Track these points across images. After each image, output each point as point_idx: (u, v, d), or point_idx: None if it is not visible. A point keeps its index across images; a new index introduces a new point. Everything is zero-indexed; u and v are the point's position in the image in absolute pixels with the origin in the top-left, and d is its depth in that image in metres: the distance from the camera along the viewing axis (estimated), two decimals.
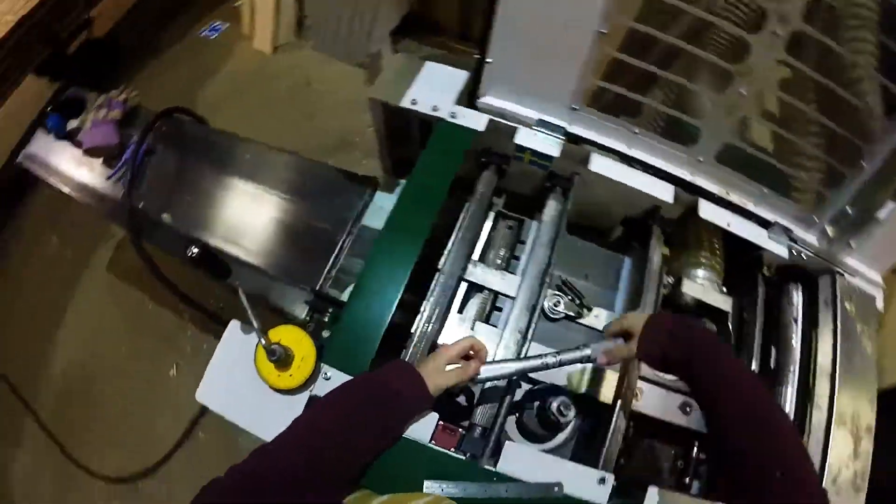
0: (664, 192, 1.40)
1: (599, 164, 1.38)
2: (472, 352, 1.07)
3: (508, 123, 1.41)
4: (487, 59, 1.37)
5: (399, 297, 1.15)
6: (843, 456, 1.24)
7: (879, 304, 1.58)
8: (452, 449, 1.06)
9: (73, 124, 1.98)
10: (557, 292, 1.44)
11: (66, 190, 1.91)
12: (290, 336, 1.09)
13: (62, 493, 2.34)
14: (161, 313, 2.62)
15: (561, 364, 1.08)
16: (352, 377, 1.06)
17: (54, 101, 2.07)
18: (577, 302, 1.44)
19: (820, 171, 1.43)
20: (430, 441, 1.02)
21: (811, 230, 1.51)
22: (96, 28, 3.18)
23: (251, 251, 1.54)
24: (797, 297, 1.58)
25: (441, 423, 1.06)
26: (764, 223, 1.49)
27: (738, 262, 1.58)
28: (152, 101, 1.98)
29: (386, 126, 1.50)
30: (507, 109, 1.42)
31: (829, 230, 1.47)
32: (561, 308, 1.42)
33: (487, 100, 1.43)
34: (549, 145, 1.38)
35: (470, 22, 2.79)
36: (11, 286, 2.83)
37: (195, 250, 0.97)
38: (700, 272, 1.52)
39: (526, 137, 1.38)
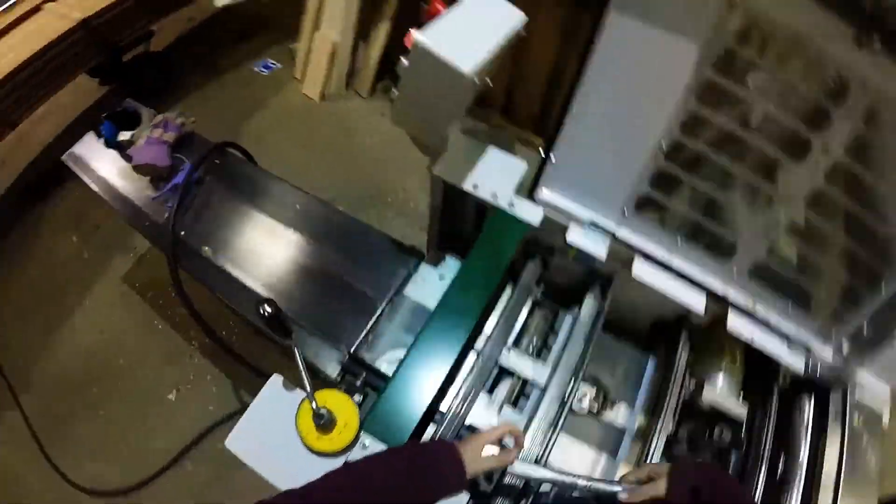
0: (697, 302, 1.46)
1: (641, 270, 1.45)
2: (508, 438, 1.09)
3: (560, 221, 1.47)
4: (552, 157, 1.45)
5: (445, 376, 1.18)
6: None
7: (886, 419, 1.63)
8: None
9: (124, 135, 2.01)
10: (585, 387, 1.48)
11: (105, 197, 1.95)
12: (335, 400, 1.12)
13: (38, 492, 2.28)
14: (169, 334, 2.62)
15: (590, 490, 1.11)
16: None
17: (110, 109, 2.11)
18: (602, 398, 1.48)
19: (841, 289, 1.48)
20: None
21: (827, 344, 1.57)
22: (155, 42, 3.31)
23: (290, 301, 1.58)
24: (808, 408, 1.62)
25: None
26: (784, 336, 1.54)
27: (756, 370, 1.63)
28: (198, 125, 2.05)
29: (444, 202, 1.57)
30: (562, 206, 1.49)
31: (845, 346, 1.51)
32: (585, 404, 1.46)
33: (545, 195, 1.50)
34: (598, 246, 1.45)
35: (544, 118, 2.94)
36: (22, 276, 2.83)
37: (269, 309, 1.00)
38: (720, 378, 1.56)
39: (577, 236, 1.45)
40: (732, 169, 1.35)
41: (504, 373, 1.46)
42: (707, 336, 1.61)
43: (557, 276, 1.61)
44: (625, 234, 1.49)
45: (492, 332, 1.38)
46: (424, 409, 1.15)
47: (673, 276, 1.49)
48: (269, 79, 3.44)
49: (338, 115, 3.32)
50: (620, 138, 1.38)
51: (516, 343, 1.51)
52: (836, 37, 1.10)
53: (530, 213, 1.46)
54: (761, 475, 1.45)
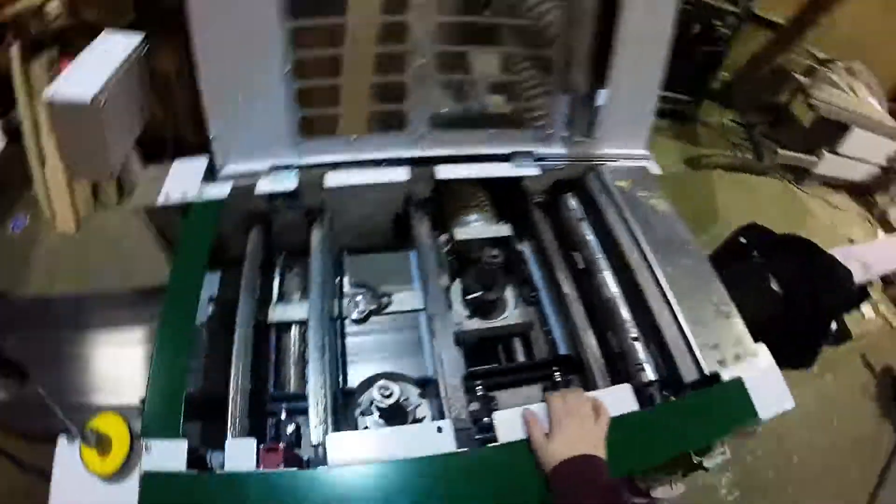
0: (400, 175, 1.65)
1: (334, 179, 1.61)
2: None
3: (249, 182, 1.60)
4: (211, 136, 1.57)
5: (186, 360, 1.26)
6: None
7: (655, 168, 1.89)
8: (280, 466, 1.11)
9: None
10: (356, 292, 1.63)
11: None
12: (105, 421, 1.16)
13: None
14: None
15: None
16: (179, 441, 1.13)
17: None
18: (374, 294, 1.62)
19: (532, 92, 1.71)
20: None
21: (553, 144, 1.81)
22: None
23: None
24: (573, 202, 1.88)
25: (261, 445, 1.12)
26: (505, 158, 1.77)
27: (509, 203, 1.85)
28: None
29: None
30: (245, 170, 1.61)
31: (567, 134, 1.76)
32: (362, 306, 1.60)
33: (227, 170, 1.61)
34: (287, 182, 1.59)
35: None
36: None
37: None
38: (472, 218, 1.76)
39: (263, 184, 1.58)
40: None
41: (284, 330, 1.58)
42: (444, 200, 1.81)
43: (294, 237, 1.73)
44: (309, 160, 1.64)
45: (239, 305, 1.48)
46: (183, 393, 1.21)
47: (368, 169, 1.66)
48: (25, 235, 3.32)
49: (98, 235, 3.29)
50: (251, 86, 1.52)
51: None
52: None
53: (217, 192, 1.56)
54: (563, 274, 1.67)
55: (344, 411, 1.42)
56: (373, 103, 1.64)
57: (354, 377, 1.52)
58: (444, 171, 1.68)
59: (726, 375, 1.29)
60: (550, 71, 1.66)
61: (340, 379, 1.49)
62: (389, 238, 1.84)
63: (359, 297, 1.61)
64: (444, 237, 1.70)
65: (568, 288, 1.66)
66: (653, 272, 1.51)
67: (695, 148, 4.68)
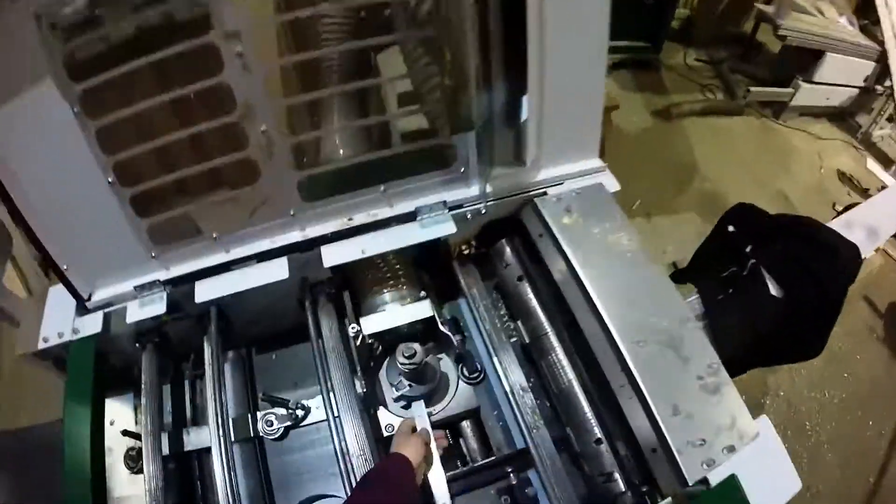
0: (278, 271, 1.36)
1: (205, 292, 1.36)
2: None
3: (118, 309, 1.40)
4: (62, 267, 1.37)
5: None
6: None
7: (612, 184, 1.46)
8: None
9: None
10: (266, 411, 1.44)
11: None
12: None
13: None
14: None
15: None
16: None
17: None
18: (288, 408, 1.43)
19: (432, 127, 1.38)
20: None
21: (470, 182, 1.41)
22: None
23: None
24: (509, 253, 1.50)
25: None
26: (410, 216, 1.41)
27: (433, 266, 1.51)
28: None
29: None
30: (113, 294, 1.41)
31: (485, 165, 1.37)
32: (276, 423, 1.42)
33: (95, 299, 1.42)
34: (153, 306, 1.37)
35: None
36: None
37: None
38: (386, 297, 1.47)
39: (133, 313, 1.38)
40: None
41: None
42: (352, 276, 1.50)
43: (192, 341, 1.51)
44: (174, 271, 1.40)
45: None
46: None
47: (243, 268, 1.39)
48: None
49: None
50: (79, 206, 1.29)
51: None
52: None
53: (90, 326, 1.39)
54: (507, 356, 1.41)
55: None
56: (222, 191, 1.31)
57: None
58: (332, 255, 1.36)
59: (717, 477, 1.06)
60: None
61: None
62: (302, 319, 1.58)
63: (271, 416, 1.42)
64: (353, 328, 1.41)
65: (514, 376, 1.36)
66: (616, 348, 1.19)
67: (662, 97, 4.23)
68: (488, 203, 1.40)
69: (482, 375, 1.49)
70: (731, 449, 1.07)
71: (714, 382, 1.14)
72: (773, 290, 1.54)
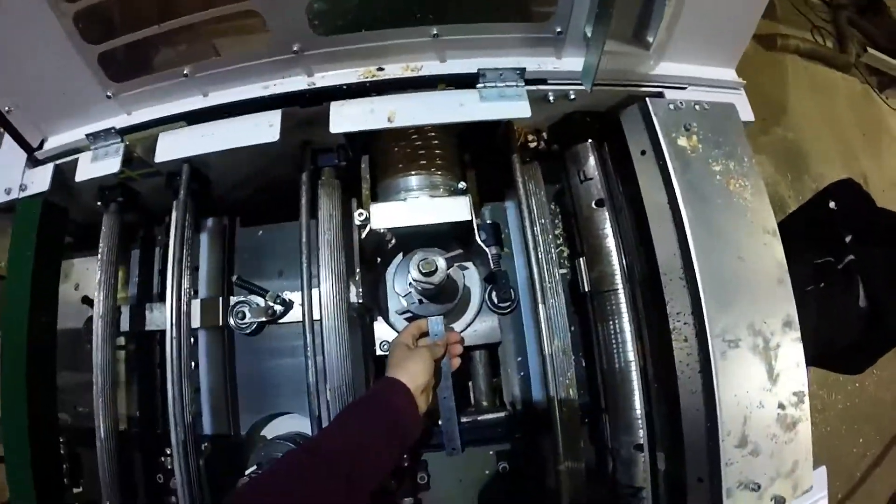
0: (266, 130, 1.03)
1: (169, 149, 1.06)
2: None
3: (70, 160, 1.13)
4: (4, 108, 1.09)
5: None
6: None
7: (746, 111, 1.08)
8: None
9: None
10: (239, 301, 1.19)
11: None
12: None
13: None
14: None
15: None
16: None
17: None
18: (265, 299, 1.16)
19: None
20: None
21: (565, 51, 1.05)
22: None
23: None
24: (593, 162, 1.13)
25: None
26: (467, 81, 1.05)
27: (482, 149, 1.20)
28: None
29: None
30: (65, 144, 1.14)
31: (593, 34, 0.97)
32: (248, 316, 1.17)
33: (47, 148, 1.15)
34: (107, 162, 1.09)
35: None
36: None
37: None
38: (412, 182, 1.14)
39: (84, 169, 1.10)
40: None
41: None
42: (373, 146, 1.18)
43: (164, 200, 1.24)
44: (136, 118, 1.10)
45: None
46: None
47: (220, 121, 1.07)
48: None
49: None
50: (31, 45, 1.00)
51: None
52: None
53: (39, 182, 1.14)
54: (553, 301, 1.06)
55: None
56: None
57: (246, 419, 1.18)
58: (344, 118, 1.01)
59: None
60: None
61: (230, 422, 1.16)
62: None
63: (244, 307, 1.17)
64: (359, 214, 1.10)
65: (557, 326, 1.04)
66: (703, 339, 0.92)
67: (770, 23, 3.61)
68: (581, 87, 1.01)
69: (514, 307, 1.18)
70: (780, 501, 0.90)
71: (794, 417, 0.92)
72: (861, 300, 1.33)
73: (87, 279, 1.31)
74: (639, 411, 1.04)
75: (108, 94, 1.06)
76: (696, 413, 0.93)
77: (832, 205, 1.49)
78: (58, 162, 1.14)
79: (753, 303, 0.94)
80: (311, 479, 0.74)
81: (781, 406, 0.91)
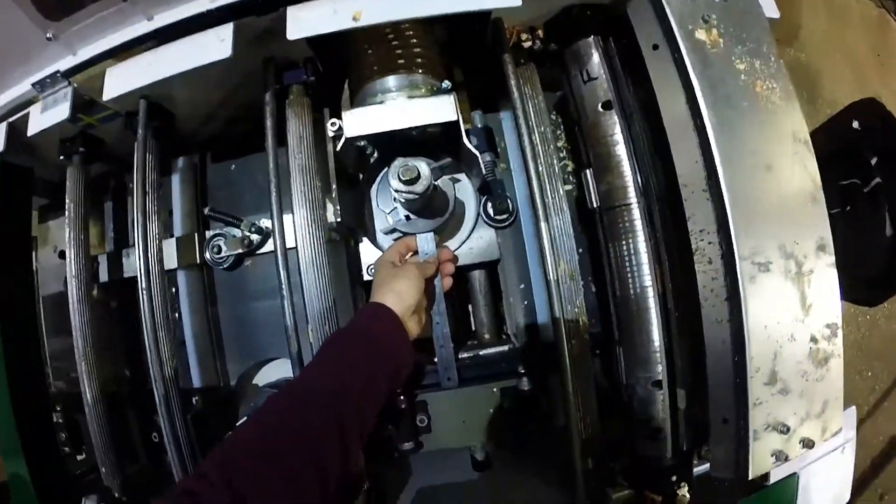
0: (218, 46, 0.95)
1: (117, 83, 0.99)
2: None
3: (22, 115, 1.07)
4: None
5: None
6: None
7: (771, 7, 0.97)
8: None
9: None
10: (217, 231, 1.13)
11: None
12: None
13: None
14: None
15: None
16: None
17: None
18: (240, 229, 1.09)
19: None
20: None
21: None
22: None
23: None
24: (596, 60, 1.01)
25: None
26: None
27: (470, 55, 1.09)
28: None
29: None
30: (12, 100, 1.09)
31: None
32: (224, 249, 1.11)
33: None
34: (56, 110, 1.02)
35: None
36: None
37: None
38: (390, 83, 1.02)
39: (35, 121, 1.04)
40: None
41: None
42: (347, 47, 1.07)
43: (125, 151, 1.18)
44: (81, 55, 1.03)
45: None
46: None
47: (170, 43, 1.00)
48: None
49: None
50: None
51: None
52: None
53: None
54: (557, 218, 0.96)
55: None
56: None
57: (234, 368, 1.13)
58: (303, 21, 0.92)
59: (779, 473, 0.89)
60: None
61: (218, 373, 1.10)
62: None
63: (219, 240, 1.11)
64: (332, 125, 1.00)
65: (563, 248, 0.94)
66: (731, 261, 0.82)
67: None
68: None
69: (513, 219, 1.08)
70: (809, 444, 0.83)
71: (826, 351, 0.83)
72: (888, 227, 1.20)
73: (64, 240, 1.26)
74: (657, 344, 0.93)
75: (48, 35, 1.00)
76: (722, 346, 0.83)
77: (855, 124, 1.37)
78: (10, 120, 1.08)
79: (785, 221, 0.83)
80: (297, 423, 0.64)
81: (814, 339, 0.82)
